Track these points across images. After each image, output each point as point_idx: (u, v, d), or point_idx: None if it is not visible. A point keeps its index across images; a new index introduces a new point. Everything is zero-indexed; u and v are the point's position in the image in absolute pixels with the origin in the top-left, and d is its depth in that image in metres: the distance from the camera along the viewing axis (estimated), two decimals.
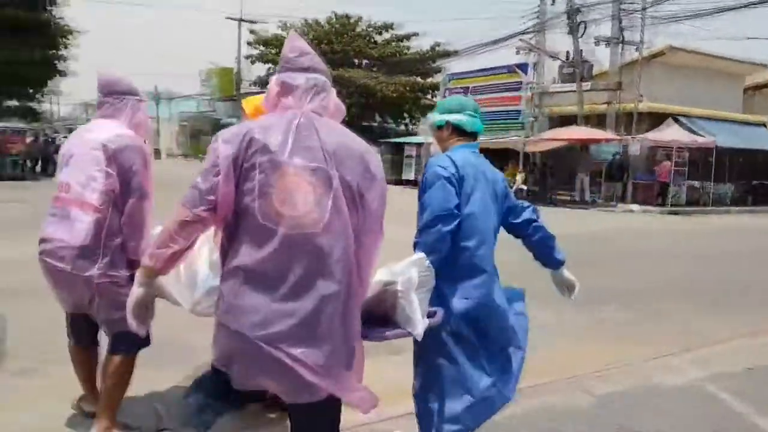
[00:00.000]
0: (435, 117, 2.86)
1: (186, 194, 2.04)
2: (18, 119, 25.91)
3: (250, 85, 39.77)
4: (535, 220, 2.91)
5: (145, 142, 3.19)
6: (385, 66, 36.99)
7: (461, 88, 27.68)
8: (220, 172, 1.97)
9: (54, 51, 25.49)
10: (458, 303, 2.59)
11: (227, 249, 2.06)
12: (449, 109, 2.84)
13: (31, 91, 26.53)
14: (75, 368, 3.32)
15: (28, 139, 22.89)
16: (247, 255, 1.96)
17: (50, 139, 26.29)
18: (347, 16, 39.18)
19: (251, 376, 2.03)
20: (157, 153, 46.41)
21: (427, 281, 2.39)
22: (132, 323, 2.22)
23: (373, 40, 39.54)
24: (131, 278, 2.60)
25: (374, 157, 2.15)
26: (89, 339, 3.28)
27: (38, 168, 23.57)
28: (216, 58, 58.36)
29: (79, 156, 3.04)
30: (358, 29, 39.24)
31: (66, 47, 26.05)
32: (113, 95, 3.18)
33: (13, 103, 27.38)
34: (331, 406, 2.10)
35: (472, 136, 2.84)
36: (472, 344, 2.64)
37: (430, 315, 2.39)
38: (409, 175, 28.53)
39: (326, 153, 2.01)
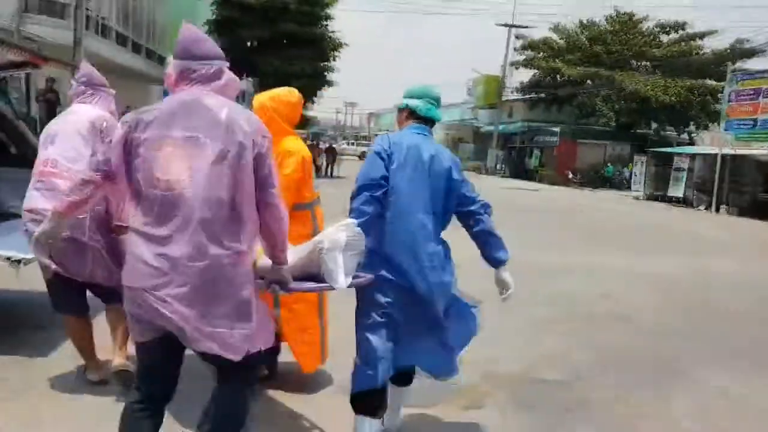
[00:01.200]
0: (401, 100, 3.11)
1: (91, 161, 2.70)
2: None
3: (511, 92, 38.82)
4: (480, 214, 3.02)
5: None
6: (670, 68, 32.70)
7: (752, 90, 22.92)
8: (114, 149, 2.34)
9: (325, 63, 27.84)
10: (376, 271, 2.82)
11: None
12: (411, 95, 3.09)
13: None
14: (74, 339, 3.57)
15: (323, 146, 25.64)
16: (137, 219, 2.26)
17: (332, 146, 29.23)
18: (630, 14, 35.75)
19: (146, 323, 2.27)
20: None
21: (356, 244, 2.67)
22: (38, 255, 2.71)
23: (657, 40, 35.44)
24: (112, 242, 3.37)
25: (242, 123, 2.28)
26: (82, 307, 3.54)
27: (330, 171, 26.34)
28: (483, 67, 58.53)
29: (66, 134, 3.44)
30: (642, 28, 35.55)
31: (335, 59, 28.29)
32: (93, 86, 3.67)
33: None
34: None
35: (429, 121, 3.07)
36: (387, 314, 2.87)
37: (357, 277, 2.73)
38: (678, 190, 24.50)
39: (206, 124, 2.25)
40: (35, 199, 3.38)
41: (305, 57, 26.14)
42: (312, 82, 26.64)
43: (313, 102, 30.16)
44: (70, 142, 3.42)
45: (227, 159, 2.21)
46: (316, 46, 26.82)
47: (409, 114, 3.05)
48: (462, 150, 40.03)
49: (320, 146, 27.30)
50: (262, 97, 3.61)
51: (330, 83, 28.54)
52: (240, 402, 2.39)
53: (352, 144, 56.94)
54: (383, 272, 2.81)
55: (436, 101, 3.09)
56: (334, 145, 27.55)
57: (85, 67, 3.76)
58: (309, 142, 27.58)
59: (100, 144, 3.32)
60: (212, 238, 2.17)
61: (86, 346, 3.56)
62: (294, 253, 2.63)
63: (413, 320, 2.89)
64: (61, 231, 2.62)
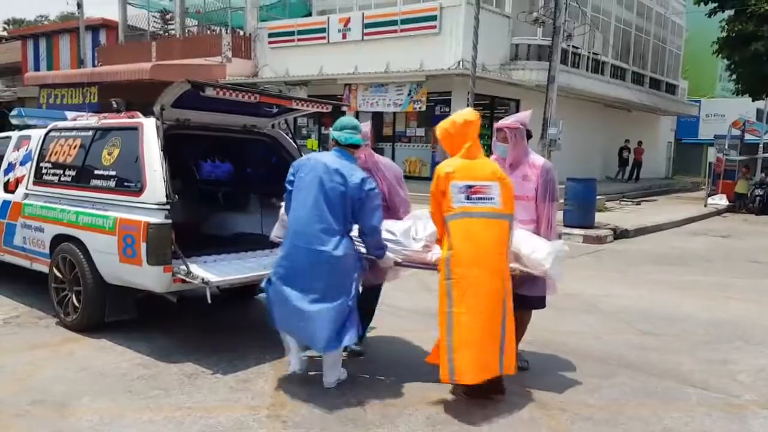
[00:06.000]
0: (331, 132, 4.14)
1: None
2: None
3: None
4: (365, 234, 4.08)
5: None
6: None
7: None
8: None
9: None
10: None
11: None
12: (335, 127, 4.10)
13: None
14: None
15: None
16: None
17: None
18: None
19: None
20: None
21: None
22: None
23: None
24: None
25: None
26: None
27: None
28: None
29: None
30: None
31: None
32: None
33: None
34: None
35: (351, 146, 4.08)
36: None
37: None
38: None
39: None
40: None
41: None
42: None
43: None
44: None
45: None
46: None
47: (335, 142, 4.05)
48: None
49: None
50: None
51: None
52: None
53: None
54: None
55: (356, 129, 4.08)
56: None
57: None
58: None
59: None
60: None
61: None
62: None
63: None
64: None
